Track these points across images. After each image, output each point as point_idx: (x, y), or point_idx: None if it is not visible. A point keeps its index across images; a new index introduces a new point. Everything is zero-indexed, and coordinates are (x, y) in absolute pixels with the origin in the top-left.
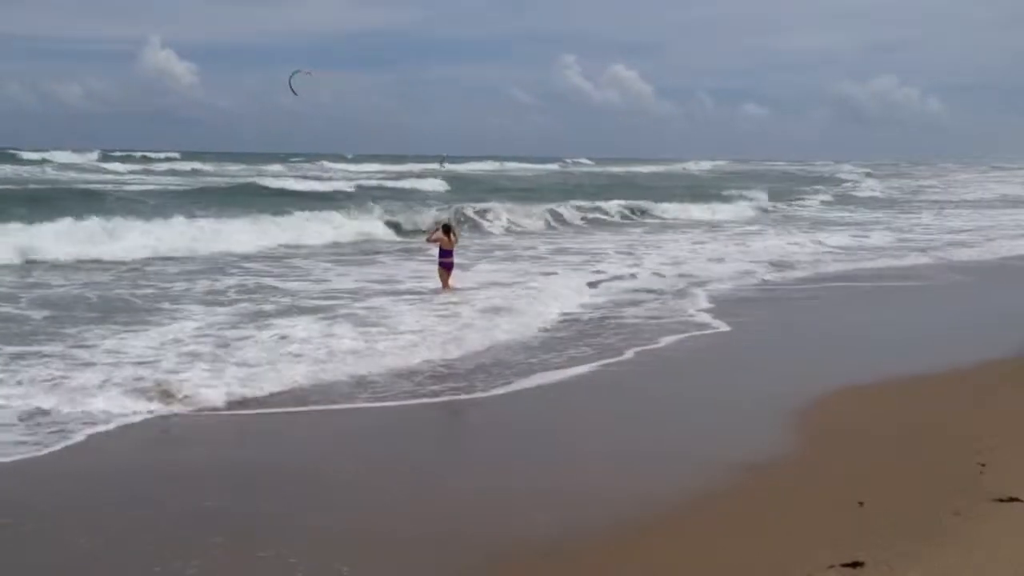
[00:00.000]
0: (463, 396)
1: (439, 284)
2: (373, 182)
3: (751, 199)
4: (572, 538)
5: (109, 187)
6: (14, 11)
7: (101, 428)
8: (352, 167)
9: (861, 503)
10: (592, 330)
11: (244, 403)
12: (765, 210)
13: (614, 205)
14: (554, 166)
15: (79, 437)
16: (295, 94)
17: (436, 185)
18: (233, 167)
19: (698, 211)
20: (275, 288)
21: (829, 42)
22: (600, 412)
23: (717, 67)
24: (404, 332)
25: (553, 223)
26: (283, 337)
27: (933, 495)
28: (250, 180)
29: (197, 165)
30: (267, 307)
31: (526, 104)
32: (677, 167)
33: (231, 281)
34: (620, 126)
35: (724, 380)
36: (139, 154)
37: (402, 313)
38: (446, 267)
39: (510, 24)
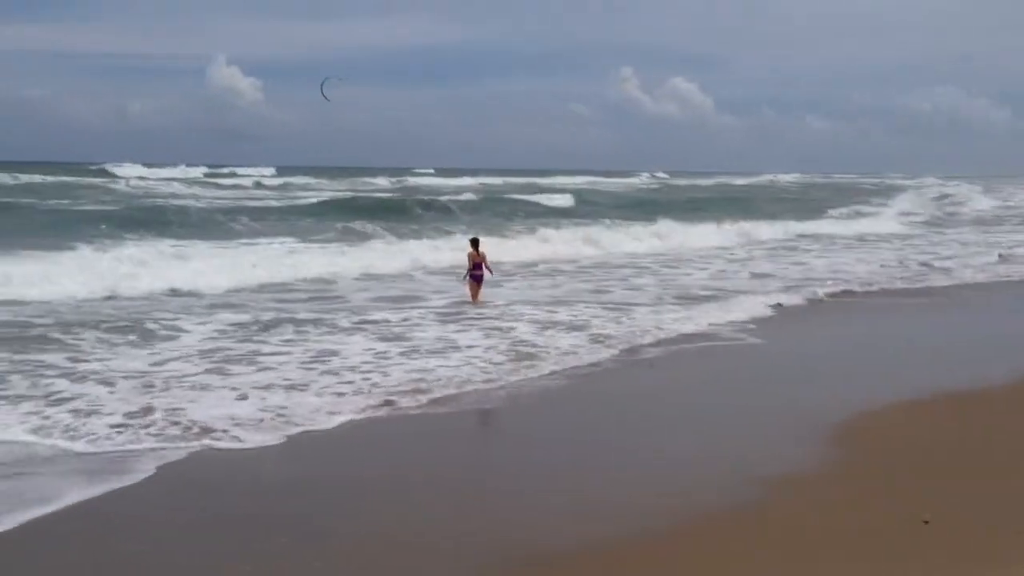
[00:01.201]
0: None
1: (468, 295)
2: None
3: (903, 210)
4: (608, 547)
5: (272, 203)
6: (87, 31)
7: None
8: (452, 181)
9: (926, 521)
10: None
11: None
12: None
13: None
14: (642, 177)
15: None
16: (327, 100)
17: (563, 201)
18: (331, 183)
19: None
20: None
21: (893, 54)
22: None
23: (779, 79)
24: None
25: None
26: None
27: (996, 514)
28: (424, 197)
29: (292, 179)
30: None
31: (584, 117)
32: (762, 179)
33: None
34: (680, 139)
35: None
36: (227, 169)
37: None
38: (476, 279)
39: (566, 38)
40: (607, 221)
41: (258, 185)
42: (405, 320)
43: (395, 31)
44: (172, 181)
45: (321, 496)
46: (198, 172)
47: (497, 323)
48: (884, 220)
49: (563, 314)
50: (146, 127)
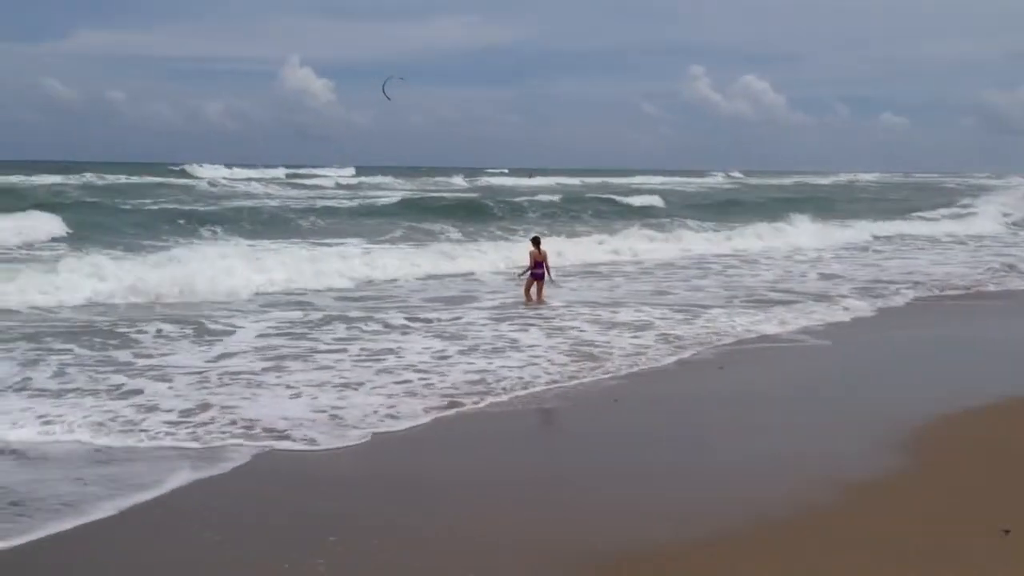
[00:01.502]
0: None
1: (523, 296)
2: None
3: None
4: (670, 550)
5: (347, 203)
6: (165, 35)
7: None
8: (528, 181)
9: (1007, 531)
10: None
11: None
12: None
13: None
14: (716, 177)
15: None
16: (388, 99)
17: (650, 201)
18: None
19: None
20: None
21: (970, 49)
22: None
23: (852, 76)
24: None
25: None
26: None
27: None
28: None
29: (369, 179)
30: None
31: (653, 116)
32: (840, 178)
33: None
34: (751, 137)
35: None
36: (305, 169)
37: None
38: (537, 277)
39: (636, 36)
40: (693, 223)
41: (338, 185)
42: (458, 319)
43: (468, 30)
44: (251, 181)
45: (395, 495)
46: (277, 172)
47: (573, 322)
48: (983, 220)
49: (646, 314)
50: (221, 128)
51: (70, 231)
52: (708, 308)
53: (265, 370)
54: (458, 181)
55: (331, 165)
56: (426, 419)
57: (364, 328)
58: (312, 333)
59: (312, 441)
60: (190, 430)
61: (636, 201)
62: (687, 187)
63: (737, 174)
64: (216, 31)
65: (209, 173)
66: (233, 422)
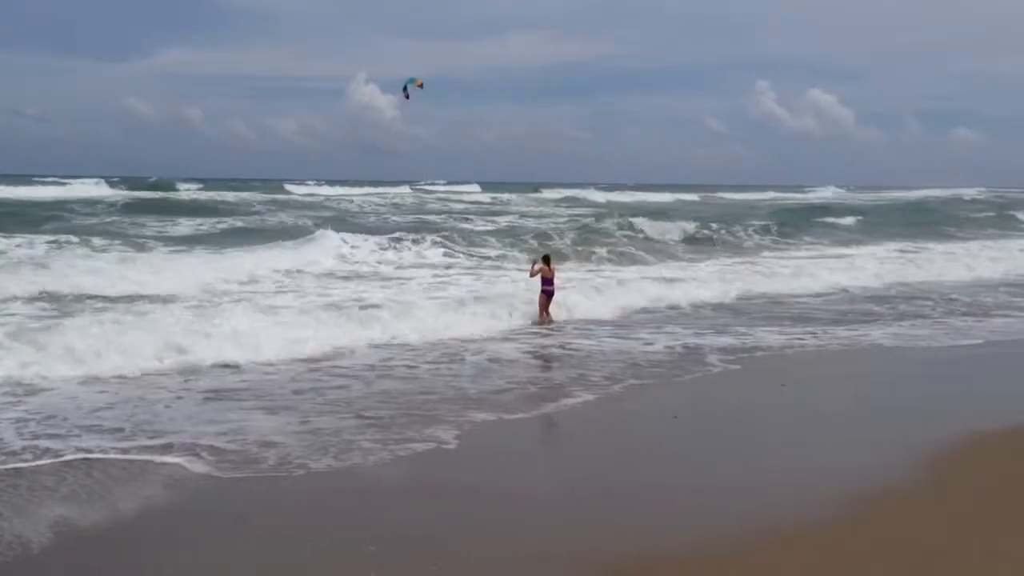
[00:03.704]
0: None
1: (537, 313)
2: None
3: None
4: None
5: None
6: (239, 54)
7: None
8: (653, 197)
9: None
10: None
11: None
12: None
13: None
14: (829, 190)
15: None
16: (407, 98)
17: (850, 221)
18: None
19: None
20: None
21: None
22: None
23: (923, 92)
24: None
25: None
26: None
27: None
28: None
29: (499, 195)
30: None
31: (720, 132)
32: (943, 193)
33: None
34: (820, 153)
35: None
36: (425, 184)
37: None
38: (547, 295)
39: (700, 53)
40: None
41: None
42: None
43: (532, 48)
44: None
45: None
46: (400, 190)
47: None
48: None
49: None
50: (292, 144)
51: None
52: None
53: None
54: (596, 195)
55: (403, 180)
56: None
57: None
58: None
59: None
60: None
61: (845, 220)
62: (854, 201)
63: (834, 189)
64: (288, 50)
65: (303, 189)
66: None
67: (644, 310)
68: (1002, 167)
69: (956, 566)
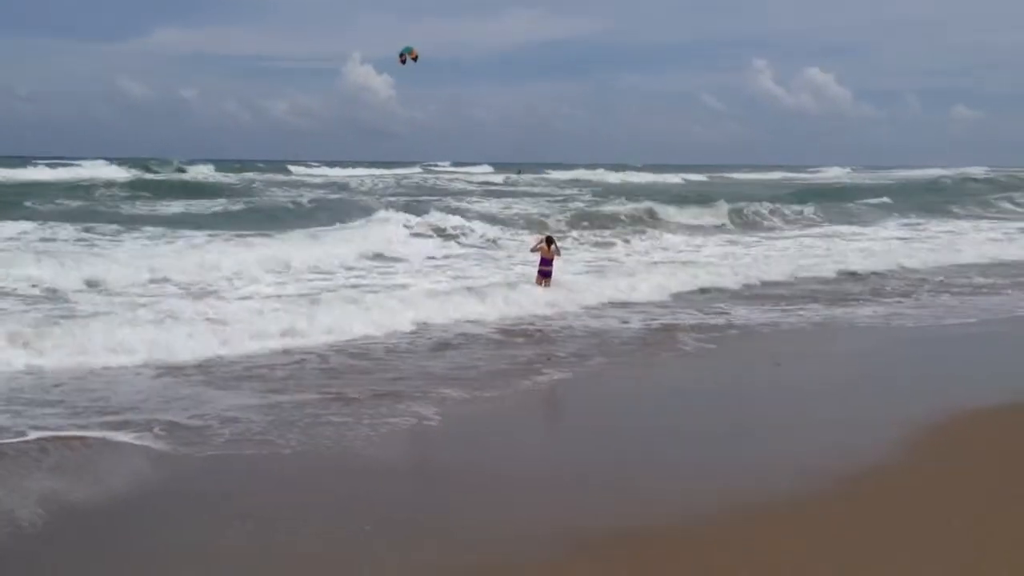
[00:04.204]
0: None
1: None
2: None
3: None
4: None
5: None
6: (232, 33)
7: None
8: (662, 178)
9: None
10: None
11: None
12: None
13: None
14: (833, 170)
15: None
16: (402, 64)
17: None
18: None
19: None
20: None
21: None
22: None
23: (922, 68)
24: None
25: None
26: None
27: None
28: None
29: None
30: None
31: (717, 110)
32: (949, 172)
33: None
34: (815, 131)
35: None
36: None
37: None
38: (543, 274)
39: (698, 30)
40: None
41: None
42: None
43: (527, 26)
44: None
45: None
46: (411, 170)
47: None
48: None
49: None
50: (286, 125)
51: None
52: None
53: None
54: (610, 176)
55: (400, 162)
56: None
57: None
58: None
59: None
60: None
61: (880, 199)
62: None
63: (838, 168)
64: (282, 30)
65: (305, 170)
66: None
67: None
68: (1000, 145)
69: (944, 542)
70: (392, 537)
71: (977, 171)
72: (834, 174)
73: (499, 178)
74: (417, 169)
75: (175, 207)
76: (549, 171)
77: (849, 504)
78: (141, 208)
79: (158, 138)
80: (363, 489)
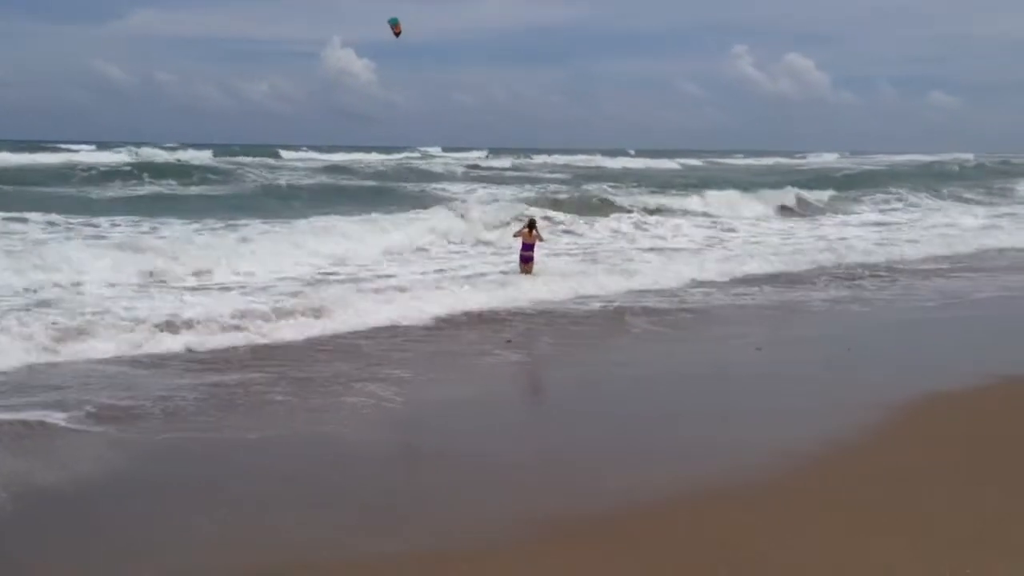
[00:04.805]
0: None
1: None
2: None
3: None
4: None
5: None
6: (212, 16)
7: None
8: (656, 163)
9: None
10: None
11: None
12: None
13: None
14: (825, 156)
15: None
16: (396, 36)
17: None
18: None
19: None
20: None
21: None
22: None
23: (900, 55)
24: None
25: None
26: None
27: None
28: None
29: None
30: None
31: (697, 97)
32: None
33: None
34: (795, 117)
35: None
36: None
37: None
38: (524, 260)
39: (679, 16)
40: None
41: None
42: None
43: (507, 11)
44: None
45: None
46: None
47: None
48: None
49: None
50: (266, 109)
51: None
52: None
53: None
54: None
55: (375, 146)
56: None
57: None
58: None
59: None
60: None
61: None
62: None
63: (826, 154)
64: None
65: (295, 155)
66: None
67: None
68: (978, 132)
69: (912, 520)
70: (367, 523)
71: (967, 156)
72: (827, 160)
73: (505, 163)
74: (416, 153)
75: (257, 195)
76: (532, 156)
77: (823, 484)
78: (216, 192)
79: (136, 123)
80: (333, 471)
